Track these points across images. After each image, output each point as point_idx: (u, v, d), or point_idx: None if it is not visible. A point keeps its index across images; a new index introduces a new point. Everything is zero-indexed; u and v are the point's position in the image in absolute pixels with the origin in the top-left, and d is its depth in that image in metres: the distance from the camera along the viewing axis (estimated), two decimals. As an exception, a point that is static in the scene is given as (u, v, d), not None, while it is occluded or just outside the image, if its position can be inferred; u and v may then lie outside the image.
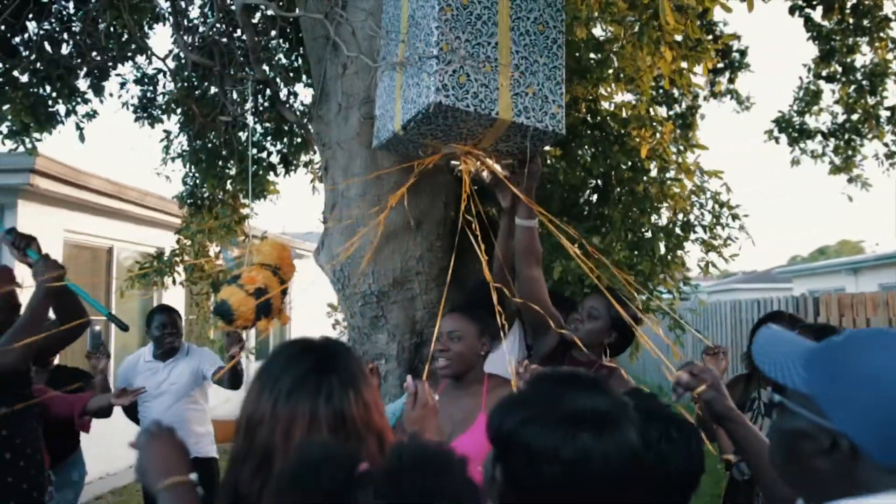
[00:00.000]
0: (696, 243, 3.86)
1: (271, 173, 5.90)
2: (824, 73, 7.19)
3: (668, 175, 3.48)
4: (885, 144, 7.08)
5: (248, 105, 4.53)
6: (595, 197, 3.59)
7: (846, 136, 7.22)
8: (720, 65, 6.99)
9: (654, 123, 3.42)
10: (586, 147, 3.40)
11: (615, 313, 2.75)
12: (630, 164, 3.45)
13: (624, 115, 3.48)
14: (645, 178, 3.45)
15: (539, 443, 1.13)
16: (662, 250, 3.58)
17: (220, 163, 5.18)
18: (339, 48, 3.34)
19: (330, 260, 3.67)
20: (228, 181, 5.55)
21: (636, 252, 3.55)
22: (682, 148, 3.60)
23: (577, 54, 3.58)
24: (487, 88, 2.66)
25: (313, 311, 13.22)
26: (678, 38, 3.03)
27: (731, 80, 7.54)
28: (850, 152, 7.22)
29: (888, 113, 6.95)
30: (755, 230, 3.85)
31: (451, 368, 2.77)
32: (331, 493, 0.98)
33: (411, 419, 1.96)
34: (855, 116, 7.17)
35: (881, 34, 6.66)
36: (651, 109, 3.72)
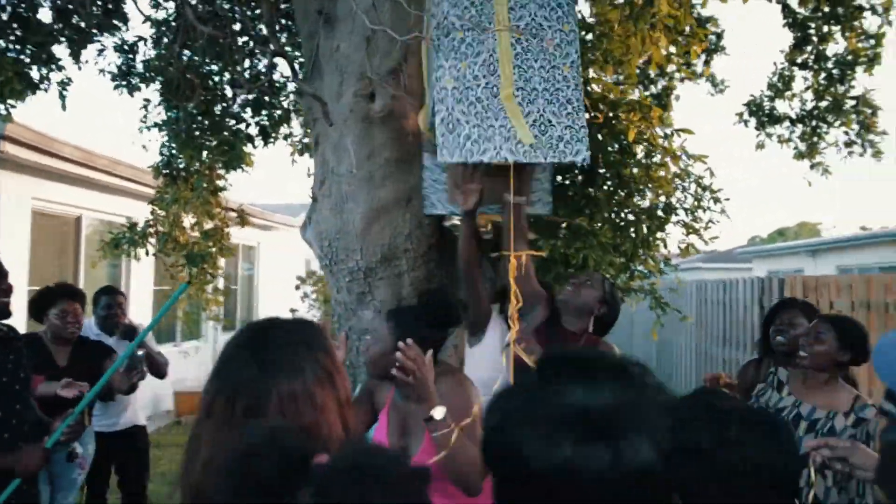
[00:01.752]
0: (677, 225, 3.95)
1: (249, 145, 5.86)
2: (798, 60, 7.31)
3: (654, 159, 3.55)
4: (846, 133, 7.25)
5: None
6: (581, 179, 3.65)
7: (813, 123, 7.38)
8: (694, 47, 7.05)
9: (644, 107, 3.48)
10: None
11: (608, 289, 2.90)
12: (617, 147, 3.51)
13: (612, 97, 3.53)
14: (632, 160, 3.51)
15: (515, 447, 0.93)
16: (645, 232, 3.66)
17: (198, 133, 5.12)
18: (334, 25, 3.33)
19: (319, 235, 3.68)
20: (205, 152, 5.49)
21: (619, 233, 3.63)
22: (668, 133, 3.66)
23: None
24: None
25: (284, 283, 13.20)
26: (669, 24, 3.07)
27: (706, 63, 7.59)
28: (815, 139, 7.39)
29: (854, 102, 7.13)
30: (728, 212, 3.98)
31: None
32: (265, 488, 0.84)
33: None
34: (823, 104, 7.32)
35: (854, 23, 6.80)
36: (639, 93, 3.79)
